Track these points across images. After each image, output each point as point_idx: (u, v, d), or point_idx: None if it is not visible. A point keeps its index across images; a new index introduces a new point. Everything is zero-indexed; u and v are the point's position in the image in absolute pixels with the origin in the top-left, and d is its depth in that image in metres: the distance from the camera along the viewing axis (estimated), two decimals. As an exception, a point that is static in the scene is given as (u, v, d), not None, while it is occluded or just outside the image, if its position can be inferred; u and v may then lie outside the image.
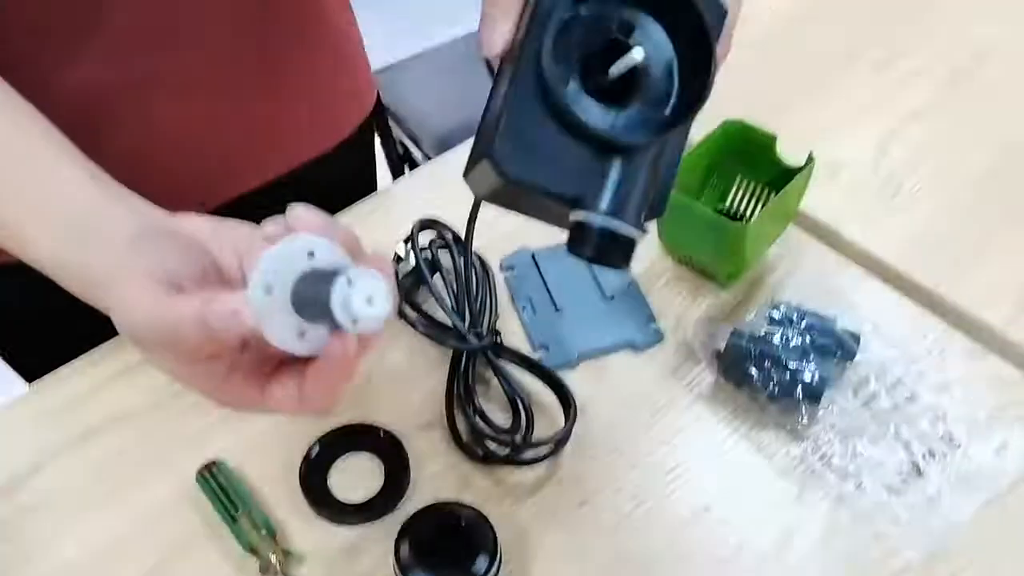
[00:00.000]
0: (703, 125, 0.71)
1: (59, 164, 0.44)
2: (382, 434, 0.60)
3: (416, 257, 0.64)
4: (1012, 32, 0.90)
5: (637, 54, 0.39)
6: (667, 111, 0.41)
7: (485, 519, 0.53)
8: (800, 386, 0.59)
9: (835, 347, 0.62)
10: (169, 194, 0.50)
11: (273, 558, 0.54)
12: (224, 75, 0.66)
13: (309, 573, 0.55)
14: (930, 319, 0.68)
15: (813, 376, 0.59)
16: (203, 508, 0.57)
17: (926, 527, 0.56)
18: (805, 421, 0.59)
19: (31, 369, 0.77)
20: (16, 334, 0.78)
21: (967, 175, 0.77)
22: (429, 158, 1.37)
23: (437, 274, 0.65)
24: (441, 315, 0.63)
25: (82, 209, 0.42)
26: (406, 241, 0.66)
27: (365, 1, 1.23)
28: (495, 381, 0.62)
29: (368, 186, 0.92)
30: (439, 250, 0.67)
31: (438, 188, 0.77)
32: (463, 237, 0.58)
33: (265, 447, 0.60)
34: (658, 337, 0.66)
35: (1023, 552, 0.55)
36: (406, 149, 1.45)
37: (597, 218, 0.39)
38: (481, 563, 0.51)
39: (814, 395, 0.59)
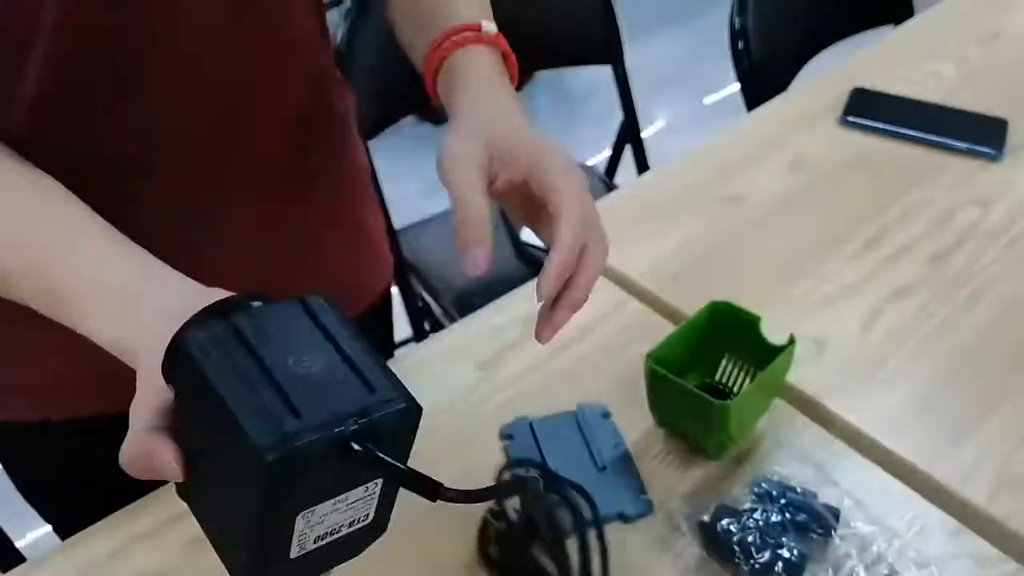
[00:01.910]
0: (694, 304, 0.76)
1: (107, 243, 0.50)
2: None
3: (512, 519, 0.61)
4: (992, 215, 0.96)
5: None
6: None
7: None
8: (780, 562, 0.62)
9: (814, 523, 0.64)
10: None
11: None
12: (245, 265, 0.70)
13: None
14: (911, 495, 0.70)
15: (792, 553, 0.62)
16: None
17: None
18: (786, 598, 0.61)
19: (59, 519, 0.82)
20: (49, 488, 0.82)
21: (951, 353, 0.81)
22: (446, 311, 1.44)
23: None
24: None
25: (123, 290, 0.48)
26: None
27: (389, 170, 1.33)
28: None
29: (384, 345, 0.98)
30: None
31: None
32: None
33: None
34: (648, 508, 0.70)
35: None
36: (425, 303, 1.52)
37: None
38: None
39: (794, 572, 0.62)
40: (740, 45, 1.37)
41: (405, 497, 0.43)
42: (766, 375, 0.69)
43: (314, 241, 0.77)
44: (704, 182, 1.03)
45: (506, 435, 0.76)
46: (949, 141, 1.04)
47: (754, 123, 1.16)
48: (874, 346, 0.82)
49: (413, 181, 1.75)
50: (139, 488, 0.71)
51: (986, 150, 1.03)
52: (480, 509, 0.66)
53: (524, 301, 0.88)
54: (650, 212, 0.99)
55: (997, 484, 0.70)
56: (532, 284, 0.56)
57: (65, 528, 0.75)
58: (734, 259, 0.93)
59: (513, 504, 0.63)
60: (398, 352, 0.92)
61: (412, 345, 0.83)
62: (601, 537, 0.60)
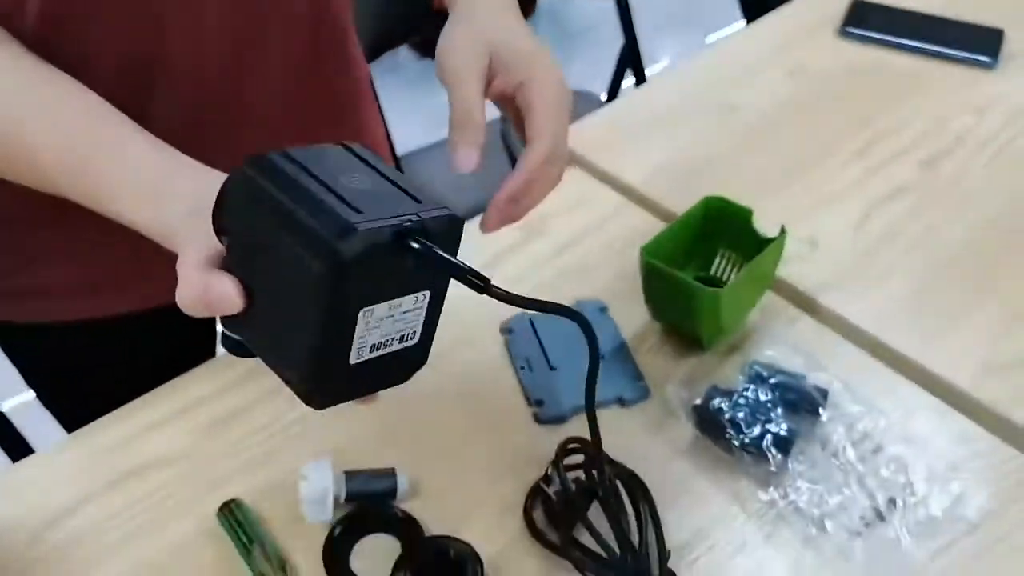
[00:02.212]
0: (689, 201, 0.78)
1: (130, 137, 0.54)
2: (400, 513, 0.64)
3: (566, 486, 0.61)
4: (985, 121, 0.97)
5: None
6: None
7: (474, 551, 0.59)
8: (769, 436, 0.64)
9: (803, 402, 0.67)
10: None
11: (282, 586, 0.60)
12: None
13: (315, 602, 0.60)
14: (899, 380, 0.73)
15: (781, 428, 0.64)
16: (224, 542, 0.63)
17: (887, 568, 0.60)
18: (775, 469, 0.64)
19: (73, 419, 0.85)
20: (64, 387, 0.85)
21: (940, 252, 0.83)
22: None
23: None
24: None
25: (152, 177, 0.51)
26: (553, 464, 0.63)
27: (390, 106, 1.33)
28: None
29: None
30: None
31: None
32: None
33: (281, 488, 0.66)
34: (644, 393, 0.72)
35: (978, 594, 0.59)
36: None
37: None
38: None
39: (783, 447, 0.64)
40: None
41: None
42: (756, 264, 0.71)
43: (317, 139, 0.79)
44: (702, 91, 1.04)
45: (506, 330, 0.78)
46: (946, 50, 1.05)
47: (753, 33, 1.16)
48: (866, 245, 0.84)
49: (416, 115, 1.76)
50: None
51: (982, 58, 1.04)
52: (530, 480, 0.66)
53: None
54: (649, 121, 1.00)
55: (983, 370, 0.73)
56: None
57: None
58: (732, 165, 0.94)
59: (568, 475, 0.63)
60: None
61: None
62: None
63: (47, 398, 0.89)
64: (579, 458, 0.63)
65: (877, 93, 1.02)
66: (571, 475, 0.62)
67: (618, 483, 0.63)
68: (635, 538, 0.60)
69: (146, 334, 0.83)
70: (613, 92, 1.64)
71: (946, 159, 0.93)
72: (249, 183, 0.43)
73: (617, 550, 0.59)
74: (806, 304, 0.79)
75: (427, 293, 0.46)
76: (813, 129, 0.98)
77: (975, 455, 0.67)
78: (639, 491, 0.63)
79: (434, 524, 0.64)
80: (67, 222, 0.66)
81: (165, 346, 0.83)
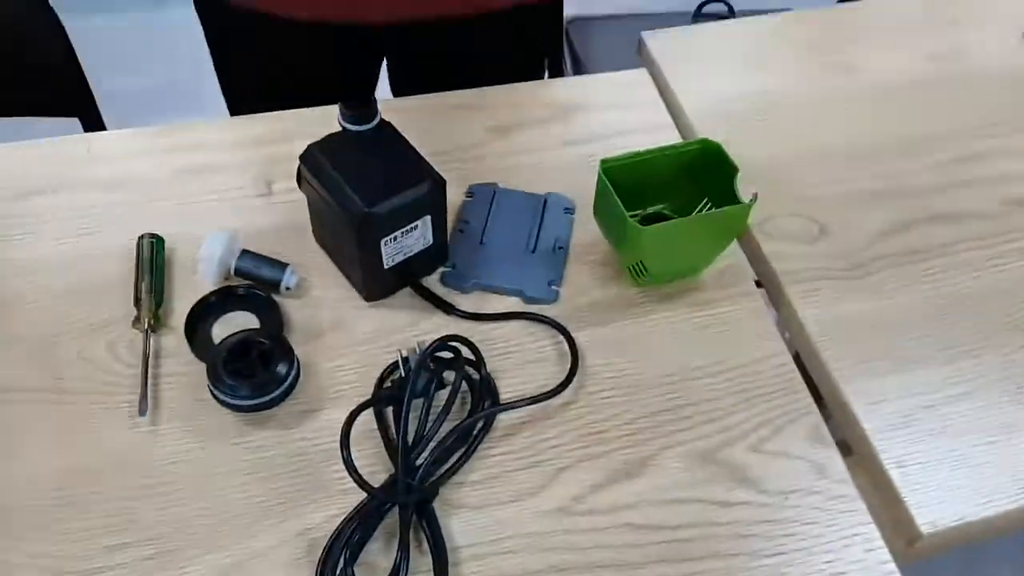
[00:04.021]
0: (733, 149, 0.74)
1: None
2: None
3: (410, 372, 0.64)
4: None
5: None
6: None
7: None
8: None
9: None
10: None
11: (147, 317, 0.68)
12: None
13: (165, 340, 0.68)
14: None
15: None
16: (131, 264, 0.72)
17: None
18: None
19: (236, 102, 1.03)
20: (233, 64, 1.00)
21: (936, 297, 0.74)
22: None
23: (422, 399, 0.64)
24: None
25: None
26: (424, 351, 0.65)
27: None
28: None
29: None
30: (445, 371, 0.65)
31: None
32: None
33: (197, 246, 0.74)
34: (552, 297, 0.72)
35: None
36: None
37: None
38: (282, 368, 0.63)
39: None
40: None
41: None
42: (700, 218, 0.67)
43: None
44: (822, 41, 0.95)
45: (469, 192, 0.79)
46: None
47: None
48: (876, 259, 0.76)
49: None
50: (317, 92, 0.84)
51: None
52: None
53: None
54: (745, 52, 0.94)
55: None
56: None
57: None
58: (798, 132, 0.87)
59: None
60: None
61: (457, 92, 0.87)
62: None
63: (218, 74, 1.03)
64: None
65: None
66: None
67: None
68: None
69: (319, 50, 0.95)
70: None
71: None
72: (313, 159, 0.67)
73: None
74: (770, 284, 0.74)
75: (428, 217, 0.68)
76: (918, 118, 0.87)
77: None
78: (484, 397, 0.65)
79: (298, 324, 0.70)
80: None
81: (332, 70, 0.98)
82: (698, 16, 1.57)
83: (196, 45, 1.00)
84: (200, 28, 0.98)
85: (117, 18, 2.13)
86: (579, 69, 1.48)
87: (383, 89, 1.06)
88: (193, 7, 0.96)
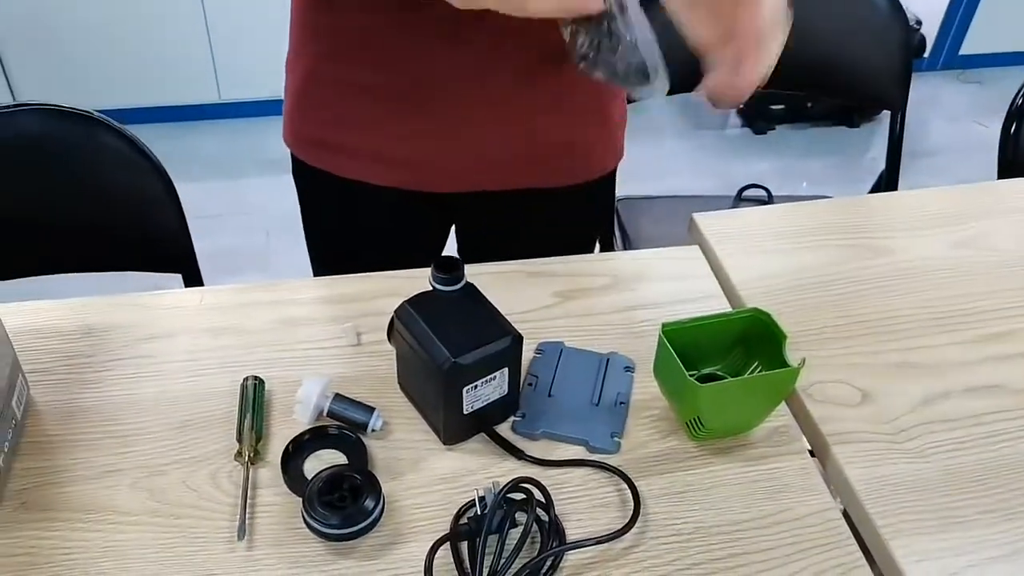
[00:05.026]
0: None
1: None
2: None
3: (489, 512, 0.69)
4: None
5: None
6: None
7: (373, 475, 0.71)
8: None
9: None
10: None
11: (248, 451, 0.75)
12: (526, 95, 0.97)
13: (262, 472, 0.75)
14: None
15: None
16: (235, 403, 0.80)
17: None
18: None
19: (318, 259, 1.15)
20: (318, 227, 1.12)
21: (981, 469, 0.79)
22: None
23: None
24: None
25: None
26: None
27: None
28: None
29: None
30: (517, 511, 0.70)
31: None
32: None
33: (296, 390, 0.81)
34: (614, 448, 0.78)
35: None
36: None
37: None
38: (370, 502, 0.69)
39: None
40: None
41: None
42: (753, 379, 0.74)
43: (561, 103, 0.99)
44: (860, 226, 1.04)
45: (540, 349, 0.87)
46: None
47: (967, 190, 1.12)
48: (916, 425, 0.82)
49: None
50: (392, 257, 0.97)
51: None
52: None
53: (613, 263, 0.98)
54: (786, 233, 1.03)
55: None
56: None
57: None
58: (838, 305, 0.95)
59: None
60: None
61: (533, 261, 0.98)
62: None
63: (306, 231, 1.15)
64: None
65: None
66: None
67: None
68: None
69: (398, 213, 1.07)
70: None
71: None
72: (407, 314, 0.76)
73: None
74: (816, 444, 0.80)
75: (506, 369, 0.76)
76: (944, 297, 0.95)
77: None
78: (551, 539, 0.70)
79: (382, 463, 0.76)
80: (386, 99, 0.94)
81: (407, 230, 1.09)
82: (739, 200, 1.70)
83: (265, 214, 1.12)
84: (271, 198, 1.11)
85: (197, 187, 2.32)
86: (627, 243, 1.59)
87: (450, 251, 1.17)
88: (290, 175, 1.09)
